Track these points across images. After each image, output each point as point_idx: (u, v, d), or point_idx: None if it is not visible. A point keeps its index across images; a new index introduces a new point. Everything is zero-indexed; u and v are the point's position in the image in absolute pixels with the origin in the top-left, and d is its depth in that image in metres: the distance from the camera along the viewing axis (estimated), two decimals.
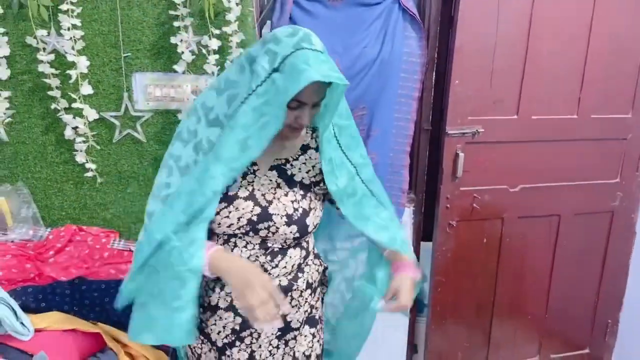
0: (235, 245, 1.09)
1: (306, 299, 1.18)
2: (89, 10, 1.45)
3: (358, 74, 1.65)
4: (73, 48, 1.43)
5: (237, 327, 1.13)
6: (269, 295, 0.94)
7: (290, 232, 1.08)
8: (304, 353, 1.22)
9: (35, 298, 1.28)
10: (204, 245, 1.01)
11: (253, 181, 1.08)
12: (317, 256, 1.23)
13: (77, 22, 1.42)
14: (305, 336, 1.22)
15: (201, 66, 1.51)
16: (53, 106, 1.49)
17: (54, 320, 1.25)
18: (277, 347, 1.17)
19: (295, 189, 1.10)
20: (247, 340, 1.14)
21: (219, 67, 1.51)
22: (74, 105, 1.48)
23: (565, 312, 2.12)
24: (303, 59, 0.91)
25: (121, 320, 1.35)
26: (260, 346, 1.14)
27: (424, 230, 1.93)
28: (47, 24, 1.43)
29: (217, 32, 1.48)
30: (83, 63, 1.46)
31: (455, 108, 1.74)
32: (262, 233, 1.07)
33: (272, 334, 1.15)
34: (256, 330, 1.13)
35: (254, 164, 1.09)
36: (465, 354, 2.09)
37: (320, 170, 1.12)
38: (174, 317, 1.00)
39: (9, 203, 1.50)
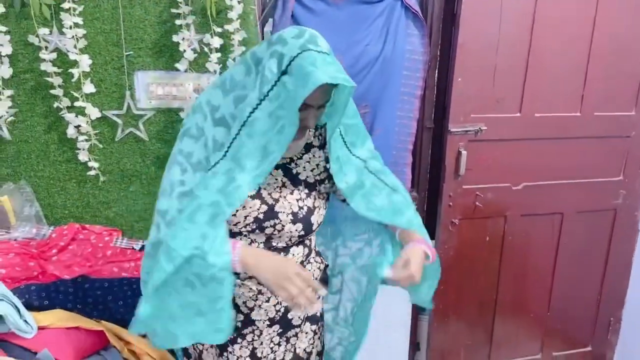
0: None
1: None
2: (91, 9, 1.45)
3: (360, 72, 1.65)
4: (75, 46, 1.43)
5: (239, 324, 1.13)
6: (305, 281, 0.97)
7: (296, 230, 1.08)
8: (304, 350, 1.23)
9: (38, 296, 1.28)
10: (227, 242, 1.00)
11: None
12: (318, 254, 1.24)
13: (79, 20, 1.42)
14: (307, 333, 1.22)
15: (203, 64, 1.51)
16: (55, 105, 1.49)
17: (57, 318, 1.25)
18: (279, 344, 1.17)
19: (300, 187, 1.11)
20: (249, 337, 1.15)
21: (221, 65, 1.51)
22: (77, 103, 1.48)
23: (568, 310, 2.12)
24: (310, 61, 0.91)
25: (124, 318, 1.35)
26: (262, 343, 1.15)
27: (426, 229, 1.92)
28: (49, 23, 1.43)
29: (219, 30, 1.48)
30: (85, 61, 1.46)
31: (457, 106, 1.73)
32: (268, 231, 1.07)
33: (274, 331, 1.15)
34: (258, 327, 1.14)
35: None
36: (468, 352, 2.09)
37: (325, 168, 1.13)
38: (221, 318, 1.00)
39: (12, 201, 1.51)
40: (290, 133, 0.96)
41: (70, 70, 1.45)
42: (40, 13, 1.39)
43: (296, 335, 1.19)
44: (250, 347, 1.15)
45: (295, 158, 1.12)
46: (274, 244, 1.10)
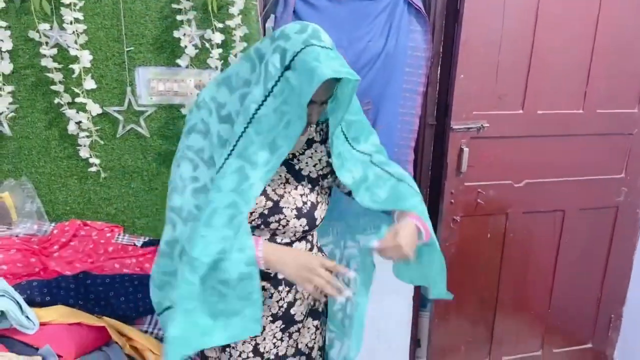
0: None
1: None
2: (92, 4, 1.44)
3: (362, 69, 1.64)
4: (76, 42, 1.43)
5: None
6: (330, 269, 0.98)
7: (300, 225, 1.09)
8: (307, 345, 1.23)
9: (40, 292, 1.28)
10: (250, 237, 1.00)
11: None
12: (320, 249, 1.24)
13: (80, 15, 1.42)
14: (309, 328, 1.23)
15: (204, 60, 1.51)
16: (56, 101, 1.49)
17: (59, 314, 1.25)
18: (281, 340, 1.18)
19: (304, 183, 1.11)
20: None
21: (222, 61, 1.50)
22: (77, 99, 1.48)
23: (569, 307, 2.12)
24: (313, 56, 0.91)
25: (126, 314, 1.35)
26: (264, 339, 1.15)
27: None
28: (49, 18, 1.42)
29: (220, 25, 1.47)
30: (86, 57, 1.45)
31: (460, 103, 1.72)
32: (273, 226, 1.07)
33: (277, 326, 1.16)
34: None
35: None
36: (468, 348, 2.09)
37: (327, 163, 1.14)
38: (256, 309, 1.00)
39: (13, 198, 1.51)
40: (298, 128, 0.96)
41: (70, 66, 1.45)
42: (40, 8, 1.38)
43: (298, 330, 1.20)
44: (253, 342, 1.15)
45: (297, 154, 1.13)
46: (278, 239, 1.10)
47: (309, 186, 1.11)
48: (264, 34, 1.61)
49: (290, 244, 1.11)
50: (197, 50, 1.50)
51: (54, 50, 1.44)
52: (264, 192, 1.07)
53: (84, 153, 1.55)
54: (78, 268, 1.40)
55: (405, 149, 1.74)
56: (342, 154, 1.09)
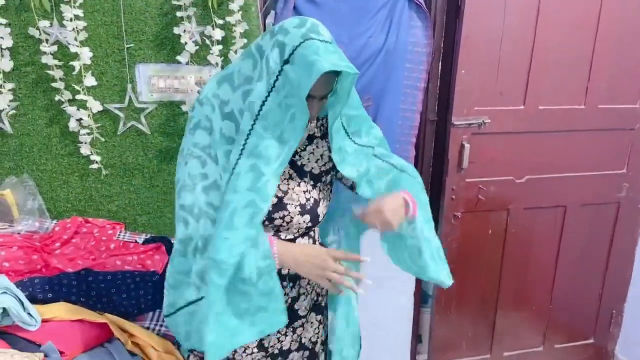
0: None
1: (313, 287, 1.20)
2: (91, 1, 1.44)
3: (363, 65, 1.64)
4: (76, 39, 1.43)
5: None
6: (344, 258, 1.00)
7: (304, 222, 1.09)
8: (310, 339, 1.24)
9: (42, 289, 1.29)
10: (263, 232, 1.01)
11: None
12: (322, 245, 1.24)
13: (80, 12, 1.41)
14: (312, 323, 1.24)
15: (205, 57, 1.50)
16: (57, 98, 1.49)
17: (61, 310, 1.26)
18: (285, 334, 1.18)
19: (306, 179, 1.11)
20: None
21: (222, 57, 1.50)
22: (78, 97, 1.48)
23: (570, 303, 2.12)
24: (312, 50, 0.91)
25: (128, 310, 1.36)
26: (268, 334, 1.15)
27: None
28: (49, 15, 1.42)
29: (220, 22, 1.46)
30: (86, 54, 1.45)
31: (461, 98, 1.72)
32: (277, 222, 1.08)
33: None
34: None
35: None
36: (470, 344, 2.10)
37: (329, 158, 1.14)
38: (280, 302, 1.01)
39: (15, 195, 1.51)
40: (302, 121, 0.96)
41: (71, 63, 1.45)
42: (40, 5, 1.38)
43: (302, 325, 1.20)
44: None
45: (299, 150, 1.12)
46: (282, 235, 1.10)
47: (311, 182, 1.12)
48: (264, 30, 1.61)
49: (293, 240, 1.12)
50: (197, 47, 1.49)
51: (54, 48, 1.44)
52: None
53: (85, 150, 1.55)
54: (80, 265, 1.41)
55: (406, 145, 1.74)
56: (342, 148, 1.09)
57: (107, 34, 1.48)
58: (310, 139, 1.14)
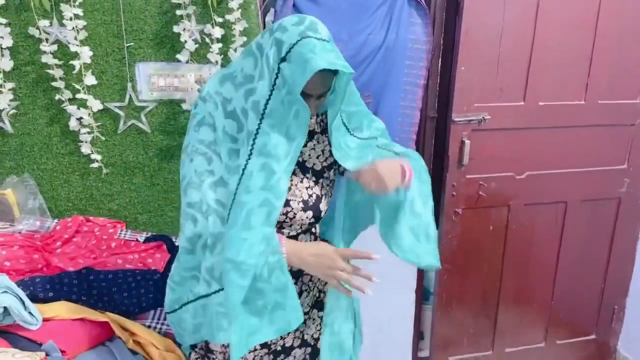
0: None
1: (315, 283, 1.20)
2: (91, 0, 1.44)
3: (363, 62, 1.63)
4: (76, 38, 1.43)
5: None
6: (351, 256, 0.99)
7: (307, 218, 1.09)
8: (312, 336, 1.24)
9: (43, 288, 1.29)
10: (274, 233, 1.01)
11: None
12: (323, 241, 1.24)
13: (79, 11, 1.41)
14: (314, 320, 1.24)
15: (204, 55, 1.50)
16: (57, 97, 1.49)
17: (63, 309, 1.26)
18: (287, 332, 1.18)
19: (308, 175, 1.12)
20: None
21: (222, 55, 1.50)
22: (78, 95, 1.48)
23: (572, 299, 2.12)
24: (309, 48, 0.91)
25: (129, 309, 1.36)
26: None
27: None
28: (49, 14, 1.42)
29: (220, 20, 1.46)
30: (86, 53, 1.45)
31: (461, 95, 1.72)
32: (280, 218, 1.07)
33: None
34: None
35: None
36: (471, 341, 2.10)
37: (331, 152, 1.14)
38: (295, 301, 1.00)
39: (16, 194, 1.51)
40: (305, 116, 0.96)
41: (71, 62, 1.45)
42: (40, 5, 1.38)
43: (304, 322, 1.20)
44: None
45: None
46: (285, 232, 1.11)
47: (314, 179, 1.12)
48: (264, 28, 1.60)
49: (295, 237, 1.12)
50: (197, 45, 1.49)
51: (54, 47, 1.44)
52: None
53: (85, 149, 1.55)
54: (81, 264, 1.41)
55: (406, 142, 1.74)
56: (343, 144, 1.09)
57: (107, 32, 1.48)
58: (311, 134, 1.14)
